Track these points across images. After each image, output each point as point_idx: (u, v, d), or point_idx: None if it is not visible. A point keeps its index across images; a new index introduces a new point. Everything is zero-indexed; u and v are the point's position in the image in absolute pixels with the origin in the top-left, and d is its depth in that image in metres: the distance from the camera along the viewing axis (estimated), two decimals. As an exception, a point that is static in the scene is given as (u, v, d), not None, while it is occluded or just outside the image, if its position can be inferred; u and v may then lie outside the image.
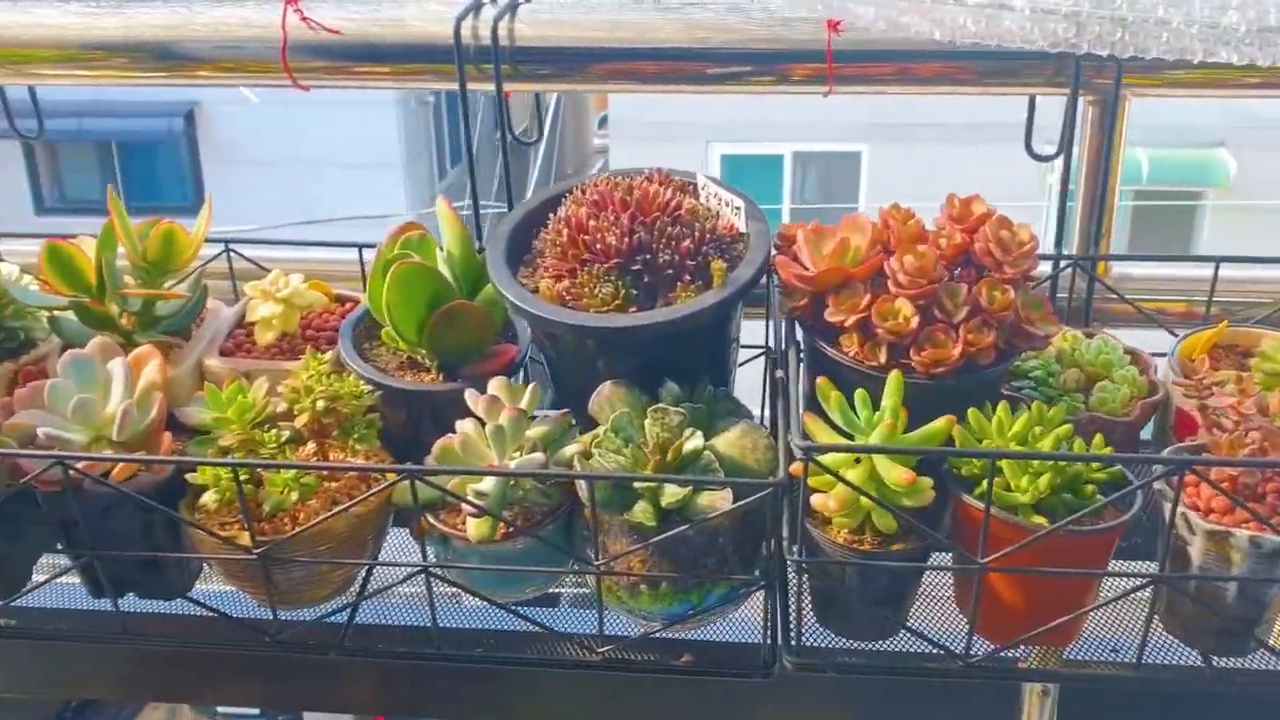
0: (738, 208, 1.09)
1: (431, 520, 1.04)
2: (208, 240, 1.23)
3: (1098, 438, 0.99)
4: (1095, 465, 0.95)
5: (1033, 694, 1.33)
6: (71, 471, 0.98)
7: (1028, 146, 1.27)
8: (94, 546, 1.03)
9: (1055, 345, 1.16)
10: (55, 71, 1.35)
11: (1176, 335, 1.17)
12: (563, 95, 9.89)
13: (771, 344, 1.23)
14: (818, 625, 1.03)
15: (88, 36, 1.33)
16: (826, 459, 0.93)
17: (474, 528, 1.01)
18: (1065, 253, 1.23)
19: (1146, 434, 1.15)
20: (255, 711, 10.12)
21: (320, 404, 1.03)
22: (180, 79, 1.35)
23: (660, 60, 1.25)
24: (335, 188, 10.16)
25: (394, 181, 10.95)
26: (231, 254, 1.29)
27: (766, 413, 1.19)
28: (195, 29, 1.32)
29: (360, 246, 1.27)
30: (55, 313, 1.18)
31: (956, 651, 0.97)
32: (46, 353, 1.20)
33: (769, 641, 1.01)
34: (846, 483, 0.92)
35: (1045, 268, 1.23)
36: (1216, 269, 1.20)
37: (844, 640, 1.03)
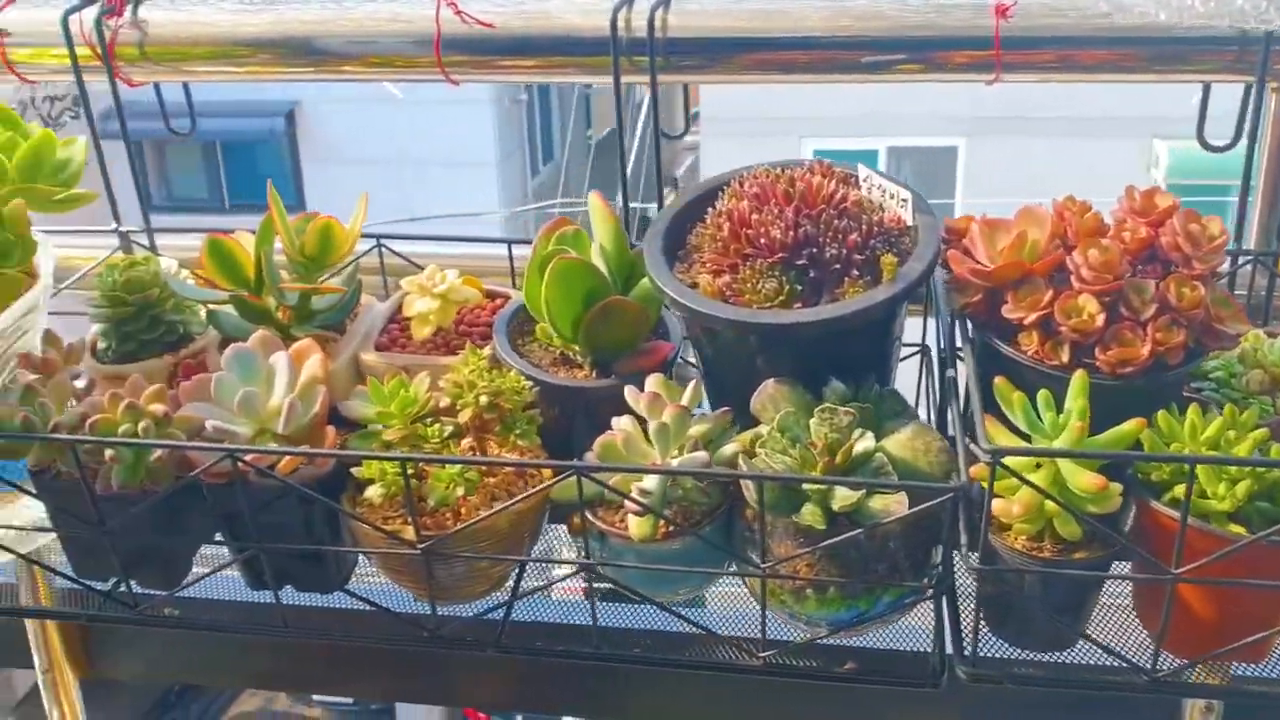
0: (904, 200, 1.06)
1: (590, 517, 1.03)
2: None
3: (1290, 443, 0.93)
4: (1297, 472, 0.90)
5: (1194, 709, 1.27)
6: (240, 464, 0.99)
7: (1200, 136, 1.21)
8: (259, 539, 1.03)
9: (1240, 344, 1.10)
10: (207, 68, 1.37)
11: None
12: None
13: (929, 341, 1.20)
14: (990, 636, 0.99)
15: (239, 33, 1.35)
16: (1014, 462, 0.89)
17: (636, 526, 0.99)
18: (1245, 248, 1.17)
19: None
20: (349, 701, 10.33)
21: (483, 400, 1.03)
22: (327, 74, 1.36)
23: (813, 49, 1.22)
24: (430, 185, 10.31)
25: (488, 179, 11.08)
26: (383, 249, 1.29)
27: (922, 411, 1.16)
28: (343, 24, 1.33)
29: (509, 242, 1.27)
30: (213, 307, 1.20)
31: (1142, 666, 0.92)
32: (204, 346, 1.22)
33: (938, 650, 0.98)
34: (1035, 487, 0.88)
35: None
36: None
37: (1018, 650, 0.99)
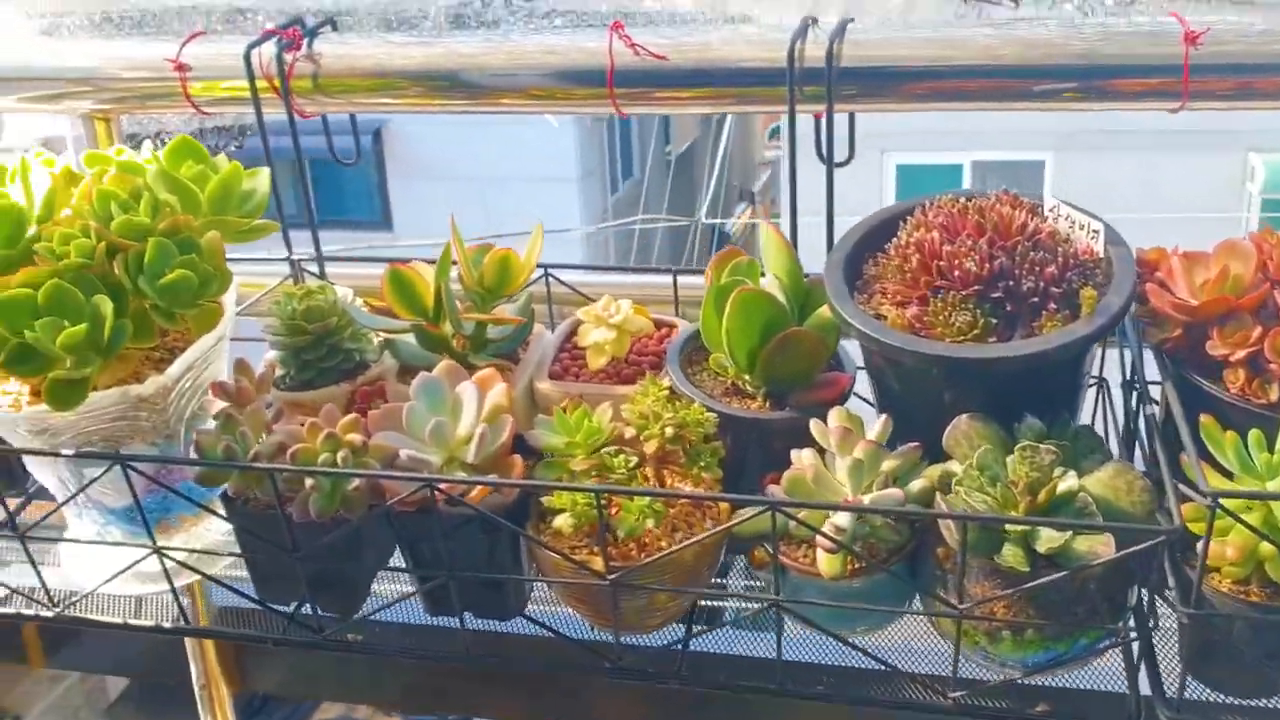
0: (1095, 231, 1.04)
1: (783, 553, 1.02)
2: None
3: None
4: None
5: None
6: (436, 491, 1.00)
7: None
8: (450, 566, 1.05)
9: None
10: (372, 100, 1.40)
11: None
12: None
13: (1102, 373, 1.17)
14: (1191, 681, 0.96)
15: (401, 65, 1.38)
16: (1230, 503, 0.87)
17: (826, 563, 0.98)
18: None
19: None
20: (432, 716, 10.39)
21: (669, 431, 1.03)
22: (485, 106, 1.38)
23: (988, 78, 1.21)
24: (512, 200, 10.42)
25: (569, 195, 11.17)
26: (550, 278, 1.31)
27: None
28: (499, 57, 1.34)
29: (675, 272, 1.27)
30: (390, 335, 1.22)
31: (1365, 716, 0.89)
32: (380, 373, 1.24)
33: (1134, 693, 0.95)
34: (1255, 530, 0.86)
35: None
36: None
37: (1222, 696, 0.96)
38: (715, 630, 1.13)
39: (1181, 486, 0.90)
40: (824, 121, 1.21)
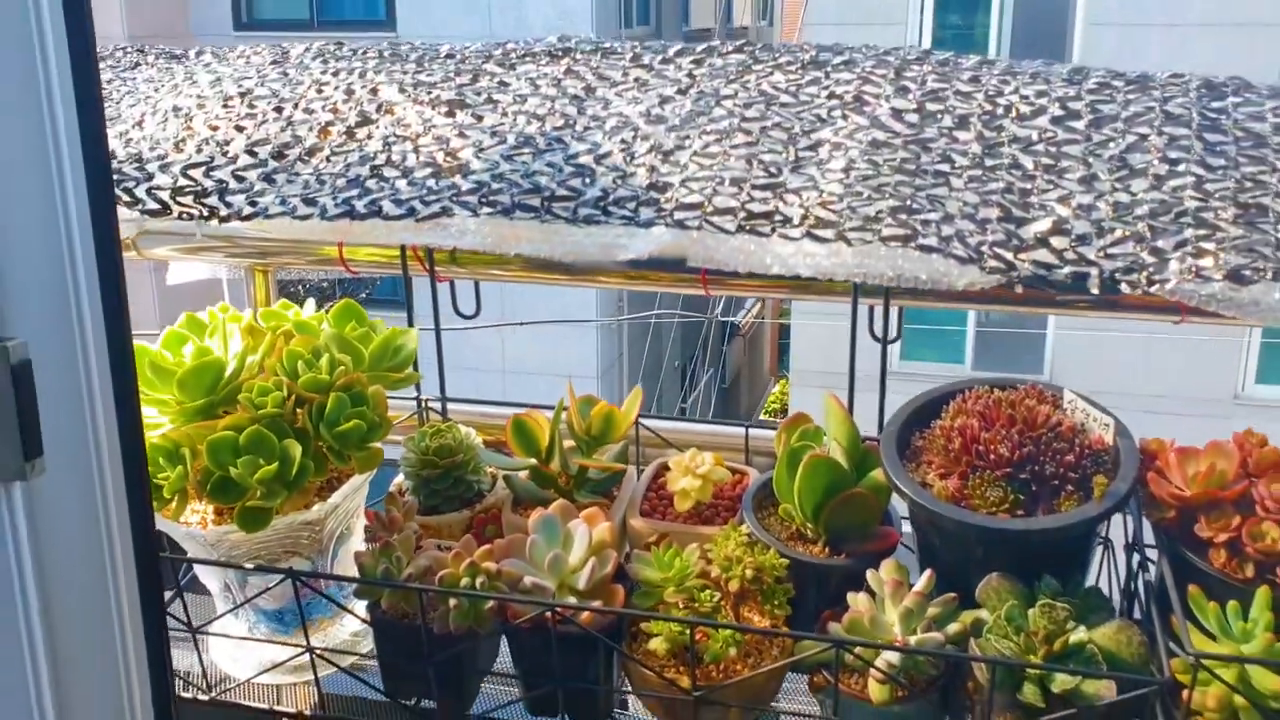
0: (1106, 424, 1.26)
1: (830, 678, 1.23)
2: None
3: None
4: None
5: None
6: (552, 614, 1.21)
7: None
8: (557, 675, 1.26)
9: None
10: (489, 271, 1.62)
11: None
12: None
13: (1108, 534, 1.38)
14: (1179, 806, 1.16)
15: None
16: (1209, 663, 1.08)
17: (877, 690, 1.19)
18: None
19: None
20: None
21: (749, 574, 1.25)
22: (582, 282, 1.61)
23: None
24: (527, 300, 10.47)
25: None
26: (640, 428, 1.54)
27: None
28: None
29: (748, 426, 1.50)
30: (508, 472, 1.45)
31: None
32: (495, 502, 1.46)
33: (1134, 818, 1.15)
34: (1231, 686, 1.07)
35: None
36: None
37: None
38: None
39: (1172, 645, 1.10)
40: (879, 310, 1.44)
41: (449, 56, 1.20)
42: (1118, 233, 0.92)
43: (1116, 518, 1.37)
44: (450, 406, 1.63)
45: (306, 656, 1.37)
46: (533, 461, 1.42)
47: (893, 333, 1.51)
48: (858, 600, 1.24)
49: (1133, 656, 1.16)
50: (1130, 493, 1.20)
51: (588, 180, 1.01)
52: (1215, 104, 0.99)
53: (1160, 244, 0.90)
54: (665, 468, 1.46)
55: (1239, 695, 1.08)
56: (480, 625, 1.25)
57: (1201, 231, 0.90)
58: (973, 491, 1.23)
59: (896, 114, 1.05)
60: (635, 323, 11.27)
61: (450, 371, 1.60)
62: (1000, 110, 1.03)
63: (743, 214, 0.97)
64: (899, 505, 1.37)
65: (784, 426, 1.41)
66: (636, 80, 1.13)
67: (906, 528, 1.38)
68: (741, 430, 1.51)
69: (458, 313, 1.62)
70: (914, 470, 1.31)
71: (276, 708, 1.41)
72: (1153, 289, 0.90)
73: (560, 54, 1.17)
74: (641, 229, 0.97)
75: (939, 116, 1.03)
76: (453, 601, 1.23)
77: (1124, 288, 0.91)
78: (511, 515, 1.42)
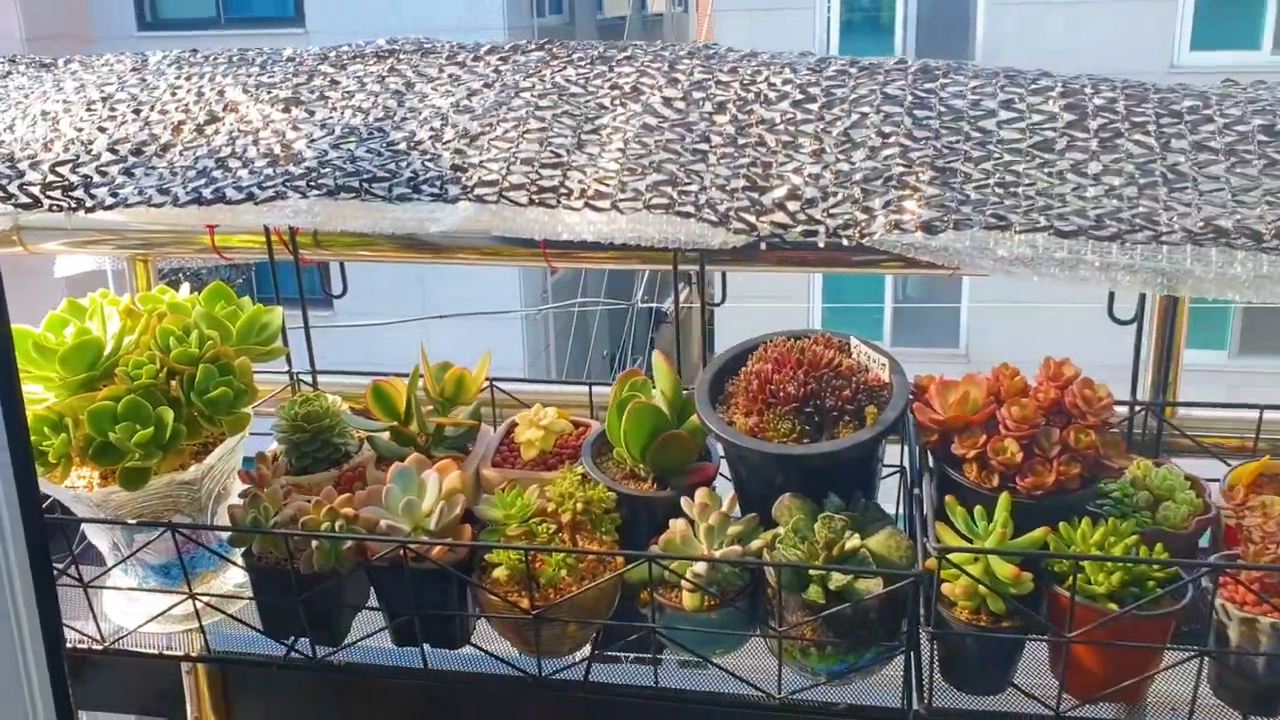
0: (883, 364, 1.47)
1: (656, 593, 1.41)
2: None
3: (1159, 545, 1.32)
4: (1155, 566, 1.29)
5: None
6: (407, 551, 1.38)
7: (1110, 314, 1.61)
8: (414, 606, 1.43)
9: (1131, 473, 1.49)
10: (352, 252, 1.79)
11: (1230, 465, 1.50)
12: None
13: (905, 464, 1.59)
14: (944, 683, 1.37)
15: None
16: (954, 557, 1.28)
17: (689, 600, 1.38)
18: (1140, 399, 1.57)
19: (1207, 542, 1.47)
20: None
21: (579, 506, 1.43)
22: (443, 260, 1.78)
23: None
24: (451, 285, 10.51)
25: (510, 276, 11.40)
26: (494, 388, 1.71)
27: (901, 511, 1.54)
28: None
29: (590, 384, 1.68)
30: (370, 433, 1.61)
31: (1050, 705, 1.30)
32: (360, 463, 1.62)
33: (906, 695, 1.35)
34: (969, 575, 1.27)
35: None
36: (1261, 414, 1.53)
37: (965, 695, 1.36)
38: (613, 654, 1.50)
39: (927, 544, 1.31)
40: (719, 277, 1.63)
41: (290, 60, 1.36)
42: (839, 196, 1.11)
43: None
44: (324, 378, 1.79)
45: (192, 606, 1.52)
46: (393, 423, 1.58)
47: (718, 297, 1.71)
48: (675, 524, 1.43)
49: (900, 558, 1.36)
50: (899, 419, 1.40)
51: (402, 164, 1.18)
52: (927, 85, 1.18)
53: (870, 204, 1.09)
54: (517, 425, 1.64)
55: (982, 585, 1.28)
56: (342, 565, 1.42)
57: (904, 192, 1.09)
58: (768, 425, 1.43)
59: (667, 101, 1.22)
60: (561, 313, 11.40)
61: (373, 366, 1.73)
62: (751, 96, 1.21)
63: (533, 189, 1.14)
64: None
65: (618, 381, 1.59)
66: (450, 76, 1.30)
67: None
68: (586, 388, 1.69)
69: (327, 294, 1.78)
70: (724, 412, 1.50)
71: (166, 653, 1.56)
72: (865, 240, 1.09)
73: (386, 54, 1.33)
74: (449, 204, 1.13)
75: (701, 103, 1.21)
76: (315, 544, 1.39)
77: (844, 241, 1.10)
78: (375, 472, 1.58)
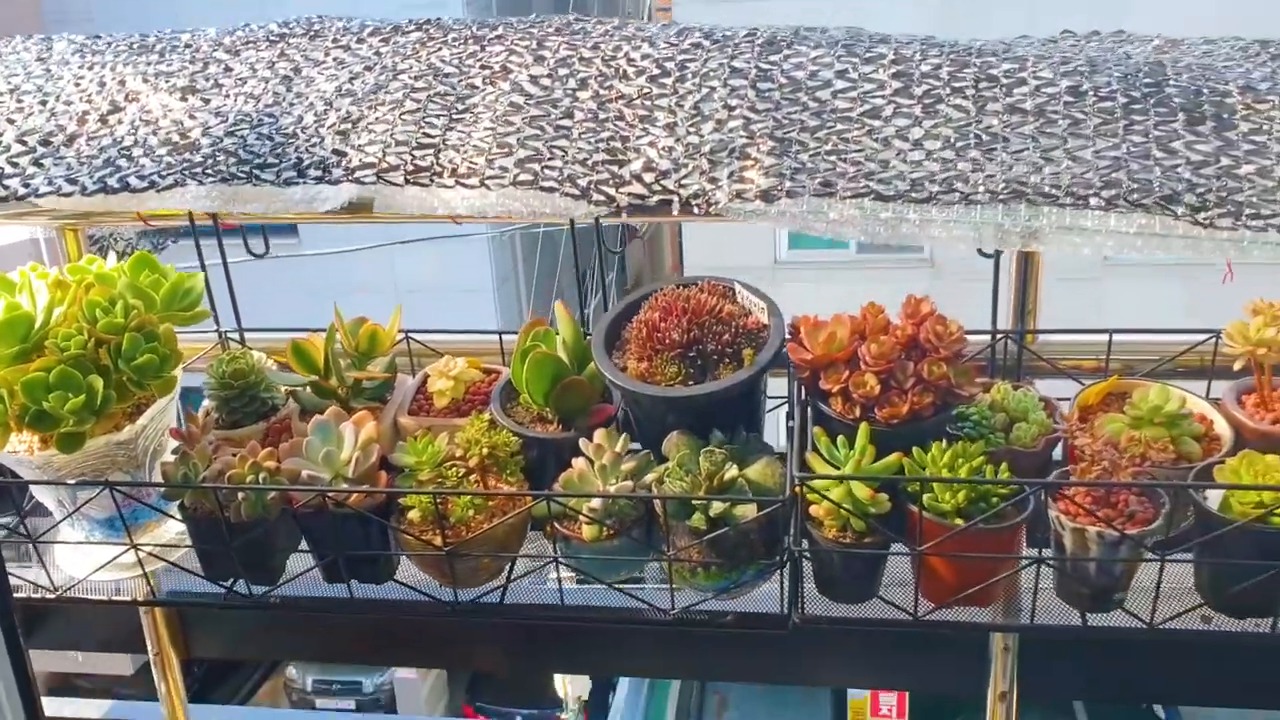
0: (763, 307, 1.59)
1: (557, 526, 1.55)
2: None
3: (1004, 464, 1.47)
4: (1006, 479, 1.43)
5: (997, 641, 1.81)
6: (326, 499, 1.51)
7: (979, 250, 1.74)
8: (338, 548, 1.56)
9: (991, 396, 1.63)
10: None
11: (1084, 385, 1.64)
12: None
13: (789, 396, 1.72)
14: (819, 595, 1.52)
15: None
16: (817, 483, 1.43)
17: (586, 531, 1.52)
18: (1001, 327, 1.71)
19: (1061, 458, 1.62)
20: (351, 706, 10.88)
21: (485, 450, 1.56)
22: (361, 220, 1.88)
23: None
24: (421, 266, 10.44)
25: (481, 253, 11.30)
26: (410, 340, 1.82)
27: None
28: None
29: (500, 333, 1.79)
30: (293, 388, 1.73)
31: (908, 610, 1.45)
32: (286, 415, 1.74)
33: (785, 606, 1.50)
34: (826, 498, 1.42)
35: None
36: (1110, 337, 1.67)
37: (836, 604, 1.52)
38: (524, 583, 1.65)
39: (795, 473, 1.45)
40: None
41: (187, 46, 1.44)
42: (689, 167, 1.21)
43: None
44: (252, 335, 1.90)
45: (133, 554, 1.65)
46: (313, 378, 1.70)
47: (618, 246, 1.81)
48: (576, 463, 1.57)
49: (776, 485, 1.51)
50: (773, 361, 1.53)
51: (290, 149, 1.27)
52: (772, 58, 1.28)
53: (716, 174, 1.20)
54: (429, 375, 1.76)
55: (840, 507, 1.43)
56: (269, 513, 1.54)
57: (746, 163, 1.20)
58: (656, 370, 1.56)
59: (534, 79, 1.32)
60: (528, 234, 11.38)
61: (340, 294, 1.82)
62: (612, 72, 1.31)
63: (409, 169, 1.24)
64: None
65: (522, 331, 1.71)
66: (336, 60, 1.38)
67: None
68: (497, 336, 1.81)
69: (250, 253, 1.87)
70: (620, 357, 1.63)
71: (115, 599, 1.69)
72: (711, 209, 1.20)
73: (277, 39, 1.41)
74: (332, 187, 1.24)
75: (566, 80, 1.31)
76: (241, 495, 1.52)
77: (695, 210, 1.21)
78: (299, 424, 1.70)
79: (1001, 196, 1.12)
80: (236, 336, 1.89)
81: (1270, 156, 1.13)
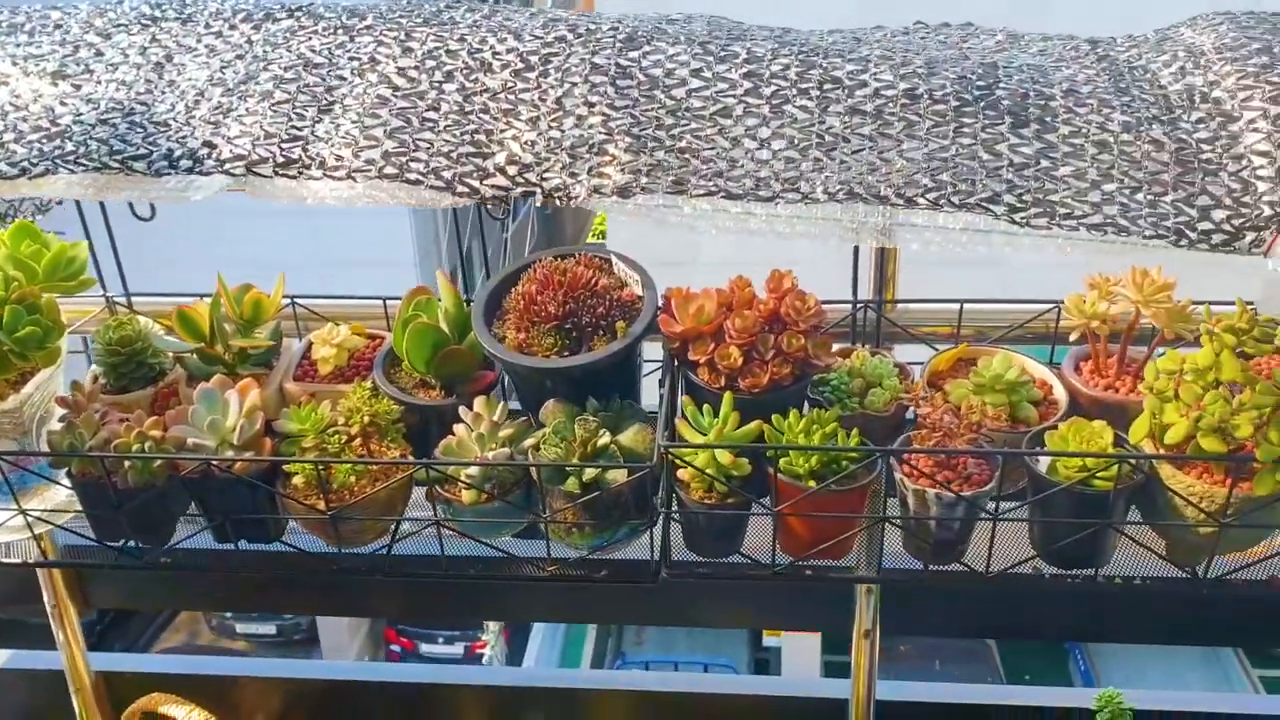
0: (637, 279, 1.67)
1: (439, 490, 1.63)
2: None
3: (855, 430, 1.58)
4: (853, 445, 1.54)
5: (861, 592, 1.95)
6: (211, 466, 1.56)
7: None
8: (225, 511, 1.62)
9: (850, 362, 1.74)
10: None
11: (937, 351, 1.76)
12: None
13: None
14: (687, 551, 1.63)
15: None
16: (680, 451, 1.52)
17: (465, 496, 1.60)
18: (861, 297, 1.82)
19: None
20: (273, 630, 10.90)
21: (366, 418, 1.62)
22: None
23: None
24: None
25: (402, 226, 11.12)
26: (296, 306, 1.86)
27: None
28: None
29: (385, 300, 1.84)
30: (180, 354, 1.76)
31: (765, 563, 1.57)
32: (174, 380, 1.78)
33: (654, 561, 1.61)
34: (692, 466, 1.52)
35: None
36: (961, 306, 1.78)
37: (702, 558, 1.63)
38: (410, 542, 1.73)
39: (661, 439, 1.54)
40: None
41: (57, 27, 1.44)
42: (551, 161, 1.27)
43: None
44: (139, 300, 1.92)
45: (22, 519, 1.68)
46: (199, 345, 1.73)
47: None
48: (456, 429, 1.64)
49: (647, 450, 1.60)
50: (645, 332, 1.61)
51: (161, 139, 1.29)
52: (631, 54, 1.34)
53: (576, 169, 1.26)
54: (313, 342, 1.80)
55: (701, 473, 1.53)
56: (156, 479, 1.59)
57: (604, 159, 1.26)
58: (533, 341, 1.63)
59: (401, 71, 1.36)
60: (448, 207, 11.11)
61: (264, 268, 1.83)
62: (478, 65, 1.35)
63: (279, 161, 1.28)
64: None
65: (404, 299, 1.76)
66: (208, 47, 1.40)
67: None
68: (381, 302, 1.86)
69: (135, 215, 1.88)
70: (500, 326, 1.69)
71: (5, 560, 1.73)
72: (572, 203, 1.26)
73: (149, 22, 1.42)
74: (204, 178, 1.27)
75: (433, 73, 1.35)
76: (128, 463, 1.56)
77: (557, 202, 1.27)
78: (186, 390, 1.74)
79: (839, 197, 1.20)
80: (124, 301, 1.91)
81: (1086, 159, 1.23)
